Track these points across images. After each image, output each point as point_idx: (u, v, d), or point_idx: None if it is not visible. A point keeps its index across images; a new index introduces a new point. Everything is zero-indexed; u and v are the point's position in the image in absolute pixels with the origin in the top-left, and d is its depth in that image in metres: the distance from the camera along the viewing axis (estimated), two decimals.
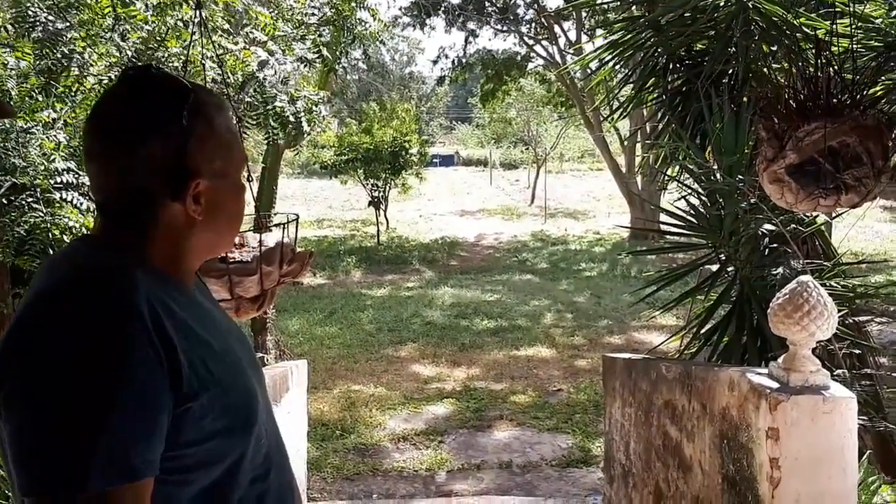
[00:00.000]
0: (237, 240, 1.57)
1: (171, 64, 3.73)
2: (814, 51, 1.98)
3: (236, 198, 1.04)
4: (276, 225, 1.65)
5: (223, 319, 1.09)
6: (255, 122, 4.42)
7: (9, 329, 0.85)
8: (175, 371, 0.86)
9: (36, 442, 0.79)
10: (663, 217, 3.65)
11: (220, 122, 1.00)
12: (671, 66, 3.70)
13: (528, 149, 27.07)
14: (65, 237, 3.24)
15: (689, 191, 3.25)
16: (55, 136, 3.45)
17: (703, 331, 3.18)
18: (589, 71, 4.49)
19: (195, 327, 0.93)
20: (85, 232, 3.34)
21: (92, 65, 3.63)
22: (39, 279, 0.94)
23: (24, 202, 3.22)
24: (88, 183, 1.03)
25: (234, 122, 1.04)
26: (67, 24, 3.42)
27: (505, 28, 19.41)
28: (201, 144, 0.96)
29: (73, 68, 3.54)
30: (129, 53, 3.58)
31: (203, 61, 2.41)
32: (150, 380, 0.83)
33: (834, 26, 2.03)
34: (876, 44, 2.69)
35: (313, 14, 5.61)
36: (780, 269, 2.87)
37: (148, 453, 0.83)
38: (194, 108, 0.96)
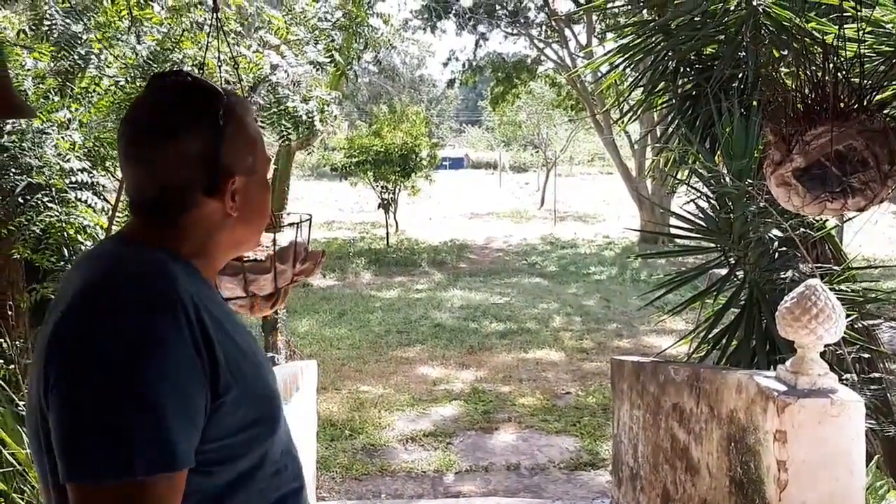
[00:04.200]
0: None
1: (185, 66, 3.77)
2: (822, 55, 1.98)
3: (265, 194, 1.09)
4: (289, 224, 1.67)
5: (239, 317, 1.14)
6: (267, 123, 4.46)
7: (58, 319, 0.88)
8: (213, 364, 0.89)
9: (80, 429, 0.81)
10: (673, 220, 3.65)
11: (249, 121, 1.06)
12: (681, 70, 3.71)
13: (537, 152, 27.04)
14: (79, 236, 3.29)
15: (699, 194, 3.26)
16: (70, 136, 3.51)
17: (711, 334, 3.18)
18: (599, 74, 4.50)
19: (225, 323, 0.96)
20: (99, 230, 3.38)
21: (108, 66, 3.68)
22: (81, 273, 0.96)
23: (39, 201, 3.28)
24: (128, 183, 1.05)
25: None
26: (84, 26, 3.47)
27: (515, 31, 19.43)
28: (235, 143, 1.01)
29: (89, 70, 3.59)
30: (145, 55, 3.62)
31: (219, 63, 2.44)
32: (190, 372, 0.86)
33: (843, 31, 2.04)
34: (886, 48, 2.70)
35: (326, 19, 5.65)
36: (789, 273, 2.87)
37: (188, 444, 0.85)
38: (229, 109, 1.01)
